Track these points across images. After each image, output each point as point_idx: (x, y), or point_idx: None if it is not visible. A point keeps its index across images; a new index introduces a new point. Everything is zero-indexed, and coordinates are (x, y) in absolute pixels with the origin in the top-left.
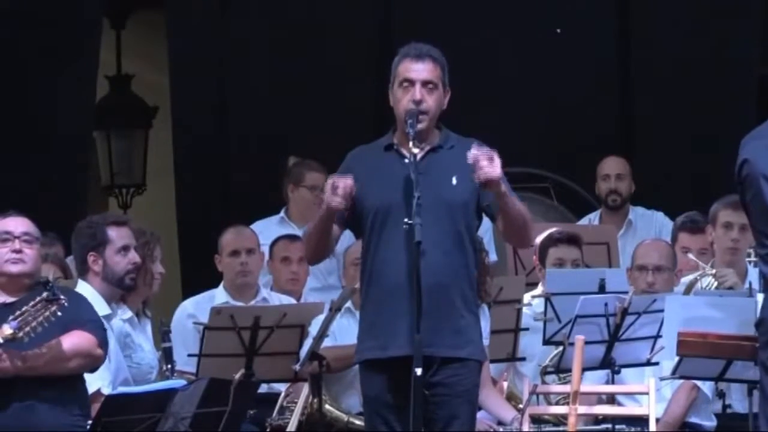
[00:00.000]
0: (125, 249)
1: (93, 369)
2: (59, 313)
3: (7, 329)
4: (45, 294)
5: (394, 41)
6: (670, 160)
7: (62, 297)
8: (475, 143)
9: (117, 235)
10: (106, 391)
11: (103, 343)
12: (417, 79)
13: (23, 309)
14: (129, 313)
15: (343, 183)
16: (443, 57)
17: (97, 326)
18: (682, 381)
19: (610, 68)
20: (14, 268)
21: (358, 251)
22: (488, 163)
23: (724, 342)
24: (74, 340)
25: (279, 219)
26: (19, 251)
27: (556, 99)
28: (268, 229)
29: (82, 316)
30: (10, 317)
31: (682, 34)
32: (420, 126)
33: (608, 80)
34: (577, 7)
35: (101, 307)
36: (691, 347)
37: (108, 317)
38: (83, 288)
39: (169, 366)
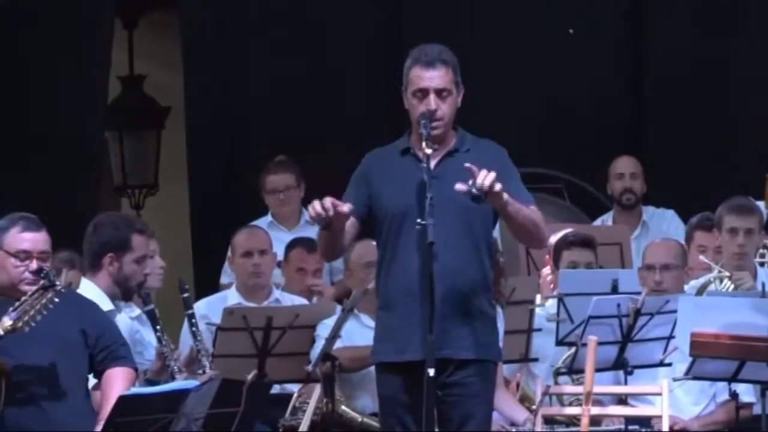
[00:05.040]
0: (143, 259)
1: None
2: (56, 300)
3: (7, 321)
4: (42, 282)
5: (402, 40)
6: (679, 160)
7: (58, 283)
8: (491, 144)
9: (139, 243)
10: None
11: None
12: (429, 87)
13: (22, 299)
14: (137, 311)
15: (332, 205)
16: (454, 56)
17: (131, 353)
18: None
19: (621, 69)
20: (29, 288)
21: (365, 255)
22: (485, 178)
23: (738, 343)
24: (126, 385)
25: (268, 222)
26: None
27: (569, 99)
28: None
29: (120, 344)
30: (10, 309)
31: (691, 34)
32: (435, 132)
33: (619, 81)
34: (589, 7)
35: (105, 305)
36: (704, 348)
37: (112, 313)
38: (86, 286)
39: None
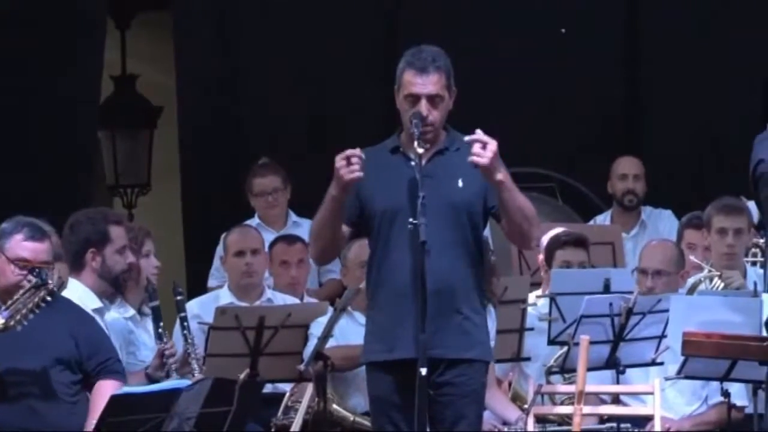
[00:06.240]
0: (123, 249)
1: None
2: (48, 299)
3: None
4: (34, 281)
5: (402, 41)
6: (674, 160)
7: (50, 282)
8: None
9: (117, 234)
10: None
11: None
12: (422, 93)
13: (14, 298)
14: (131, 311)
15: (353, 153)
16: (447, 59)
17: (123, 368)
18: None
19: (616, 68)
20: None
21: (362, 254)
22: (480, 149)
23: (729, 342)
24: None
25: (256, 224)
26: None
27: (561, 99)
28: None
29: (115, 359)
30: (2, 308)
31: (690, 34)
32: (426, 137)
33: (614, 81)
34: (588, 7)
35: (93, 302)
36: (696, 347)
37: (100, 311)
38: (73, 286)
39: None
